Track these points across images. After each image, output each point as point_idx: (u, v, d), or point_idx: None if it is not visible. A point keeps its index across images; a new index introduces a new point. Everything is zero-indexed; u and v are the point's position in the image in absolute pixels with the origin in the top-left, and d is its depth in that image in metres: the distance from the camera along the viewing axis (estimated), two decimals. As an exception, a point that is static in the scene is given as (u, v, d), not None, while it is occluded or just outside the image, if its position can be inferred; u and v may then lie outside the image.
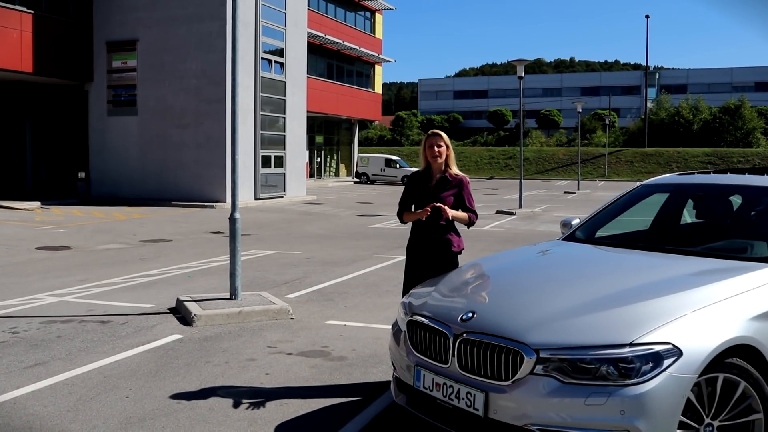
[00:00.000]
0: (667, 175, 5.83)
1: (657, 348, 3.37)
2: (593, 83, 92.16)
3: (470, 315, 3.84)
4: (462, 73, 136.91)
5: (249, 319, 7.64)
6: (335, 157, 49.05)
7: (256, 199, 25.95)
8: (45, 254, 12.89)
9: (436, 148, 5.40)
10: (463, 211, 5.40)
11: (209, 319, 7.50)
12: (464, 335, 3.77)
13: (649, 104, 68.82)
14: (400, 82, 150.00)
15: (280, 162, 27.61)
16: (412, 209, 5.49)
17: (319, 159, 46.29)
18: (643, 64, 67.81)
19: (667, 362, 3.35)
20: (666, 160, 54.88)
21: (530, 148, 64.68)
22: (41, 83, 26.19)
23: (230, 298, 8.10)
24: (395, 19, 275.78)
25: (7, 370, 5.87)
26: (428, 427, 4.06)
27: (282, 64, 27.62)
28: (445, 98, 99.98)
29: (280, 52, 27.48)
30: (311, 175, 44.15)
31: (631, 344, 3.38)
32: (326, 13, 41.73)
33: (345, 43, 41.95)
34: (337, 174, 49.08)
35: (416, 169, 5.77)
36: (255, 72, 25.60)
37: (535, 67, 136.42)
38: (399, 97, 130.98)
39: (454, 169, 5.49)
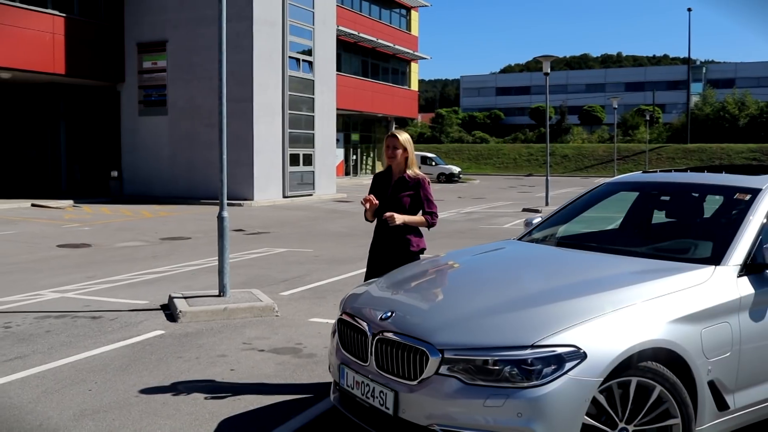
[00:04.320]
0: (633, 173, 5.74)
1: (559, 350, 3.34)
2: (638, 78, 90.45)
3: (389, 314, 3.86)
4: (507, 69, 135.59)
5: (234, 316, 7.76)
6: (372, 155, 49.17)
7: (284, 197, 26.20)
8: (64, 251, 13.23)
9: (391, 149, 5.42)
10: (423, 213, 5.41)
11: (194, 315, 7.64)
12: (381, 334, 3.79)
13: (694, 99, 67.29)
14: (445, 79, 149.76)
15: (309, 160, 27.81)
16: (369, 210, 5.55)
17: (355, 156, 46.44)
18: (692, 58, 66.30)
19: (569, 365, 3.31)
20: (709, 157, 53.65)
21: (570, 145, 63.85)
22: (74, 84, 26.87)
23: (219, 295, 8.24)
24: (438, 15, 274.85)
25: (-13, 363, 6.08)
26: (360, 426, 4.09)
27: (310, 63, 27.81)
28: (487, 95, 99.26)
29: (308, 51, 27.67)
30: (347, 173, 44.38)
31: (533, 346, 3.36)
32: (360, 11, 41.84)
33: (379, 40, 42.01)
34: (373, 171, 49.19)
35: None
36: (282, 71, 25.85)
37: (581, 62, 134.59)
38: (443, 94, 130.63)
39: (413, 170, 5.49)
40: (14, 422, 4.78)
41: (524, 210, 22.67)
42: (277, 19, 25.48)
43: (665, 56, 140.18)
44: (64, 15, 24.11)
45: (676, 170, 5.47)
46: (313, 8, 27.71)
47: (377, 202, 5.38)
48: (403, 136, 5.46)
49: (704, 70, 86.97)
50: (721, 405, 3.82)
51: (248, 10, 24.00)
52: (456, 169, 47.20)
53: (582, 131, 73.71)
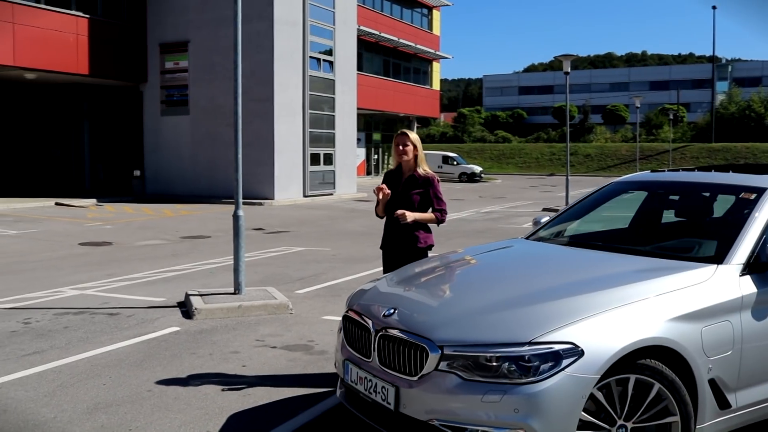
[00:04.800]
0: (641, 172, 5.74)
1: (557, 347, 3.37)
2: (662, 77, 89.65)
3: (391, 311, 3.92)
4: (530, 69, 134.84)
5: (248, 314, 7.87)
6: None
7: (305, 196, 26.34)
8: (85, 249, 13.44)
9: (401, 147, 5.53)
10: (433, 210, 5.51)
11: (209, 312, 7.75)
12: (384, 330, 3.85)
13: (720, 98, 66.49)
14: (468, 79, 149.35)
15: (329, 159, 27.95)
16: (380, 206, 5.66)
17: (376, 156, 46.53)
18: (718, 56, 65.51)
19: (566, 362, 3.34)
20: (734, 156, 53.02)
21: (593, 145, 63.45)
22: (98, 85, 27.27)
23: (234, 293, 8.35)
24: (460, 15, 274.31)
25: (6, 357, 6.23)
26: (364, 422, 4.15)
27: (331, 63, 27.94)
28: (510, 94, 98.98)
29: (329, 51, 27.81)
30: (368, 172, 44.46)
31: (530, 343, 3.39)
32: (382, 11, 41.89)
33: (401, 40, 42.04)
34: (394, 171, 49.12)
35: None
36: (303, 71, 26.01)
37: (606, 61, 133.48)
38: (466, 93, 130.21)
39: (423, 168, 5.59)
40: (30, 414, 4.90)
41: (544, 209, 22.60)
42: (298, 19, 25.63)
43: (690, 55, 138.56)
44: (87, 16, 24.49)
45: (683, 169, 5.47)
46: (334, 8, 27.83)
47: (389, 191, 5.48)
48: (413, 135, 5.57)
49: (730, 69, 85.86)
50: (723, 403, 3.82)
51: (269, 10, 24.18)
52: (477, 169, 47.19)
53: (605, 130, 73.17)
